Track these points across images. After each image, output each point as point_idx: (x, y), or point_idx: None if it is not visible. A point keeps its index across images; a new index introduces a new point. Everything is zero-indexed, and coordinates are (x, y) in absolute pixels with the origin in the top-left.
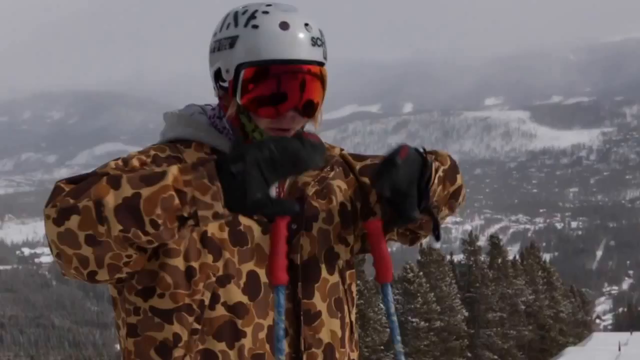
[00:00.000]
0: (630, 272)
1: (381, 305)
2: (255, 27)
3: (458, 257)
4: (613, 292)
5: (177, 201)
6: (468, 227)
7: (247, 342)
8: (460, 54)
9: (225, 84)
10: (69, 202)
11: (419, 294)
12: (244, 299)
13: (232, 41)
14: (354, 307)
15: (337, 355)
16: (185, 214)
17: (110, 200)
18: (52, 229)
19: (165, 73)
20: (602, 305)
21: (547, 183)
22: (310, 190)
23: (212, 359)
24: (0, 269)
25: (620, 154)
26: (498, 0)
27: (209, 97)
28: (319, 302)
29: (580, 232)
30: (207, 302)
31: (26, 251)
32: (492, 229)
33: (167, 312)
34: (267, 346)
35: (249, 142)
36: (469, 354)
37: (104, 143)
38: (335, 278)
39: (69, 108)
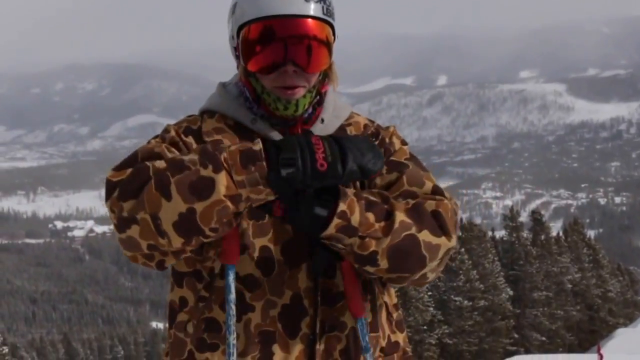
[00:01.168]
0: None
1: None
2: None
3: (500, 234)
4: None
5: (232, 208)
6: (508, 202)
7: (254, 316)
8: (493, 26)
9: (237, 52)
10: (123, 211)
11: (461, 272)
12: (257, 273)
13: (233, 8)
14: (391, 288)
15: (367, 339)
16: (242, 210)
17: (166, 215)
18: (115, 230)
19: (197, 45)
20: None
21: (588, 157)
22: None
23: (215, 329)
24: (32, 243)
25: None
26: None
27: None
28: (341, 283)
29: (624, 208)
30: (217, 271)
31: (59, 225)
32: (534, 204)
33: (180, 275)
34: (279, 325)
35: (264, 106)
36: (515, 335)
37: (136, 115)
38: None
39: (101, 80)
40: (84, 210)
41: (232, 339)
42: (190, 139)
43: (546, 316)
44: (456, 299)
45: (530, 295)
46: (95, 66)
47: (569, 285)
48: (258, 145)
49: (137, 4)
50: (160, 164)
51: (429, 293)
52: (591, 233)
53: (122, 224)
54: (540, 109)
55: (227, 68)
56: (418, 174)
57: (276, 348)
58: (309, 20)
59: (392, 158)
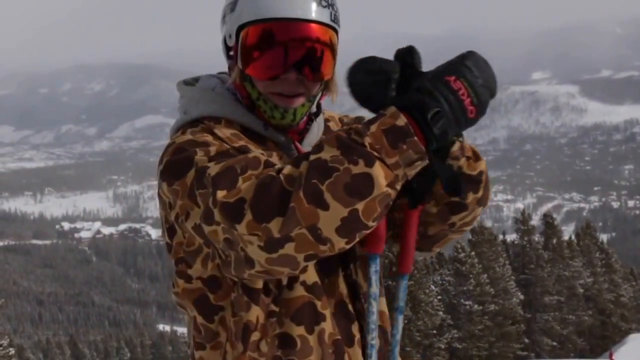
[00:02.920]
0: None
1: (432, 286)
2: None
3: (511, 237)
4: None
5: (393, 193)
6: (520, 205)
7: (327, 326)
8: (505, 27)
9: (232, 52)
10: (273, 232)
11: (471, 275)
12: (320, 280)
13: (233, 5)
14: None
15: (389, 337)
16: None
17: (326, 224)
18: (260, 254)
19: (205, 46)
20: None
21: (601, 160)
22: None
23: (290, 345)
24: (39, 244)
25: None
26: None
27: None
28: (363, 283)
29: (637, 212)
30: (285, 282)
31: (66, 226)
32: (545, 208)
33: (255, 292)
34: (342, 333)
35: (257, 112)
36: (526, 340)
37: (144, 115)
38: None
39: (109, 80)
40: (91, 212)
41: (371, 338)
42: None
43: (557, 321)
44: (466, 303)
45: (541, 300)
46: (103, 66)
47: (581, 290)
48: (402, 120)
49: (146, 4)
50: (291, 170)
51: (439, 297)
52: (604, 237)
53: (273, 245)
54: (553, 110)
55: None
56: None
57: (346, 357)
58: (318, 26)
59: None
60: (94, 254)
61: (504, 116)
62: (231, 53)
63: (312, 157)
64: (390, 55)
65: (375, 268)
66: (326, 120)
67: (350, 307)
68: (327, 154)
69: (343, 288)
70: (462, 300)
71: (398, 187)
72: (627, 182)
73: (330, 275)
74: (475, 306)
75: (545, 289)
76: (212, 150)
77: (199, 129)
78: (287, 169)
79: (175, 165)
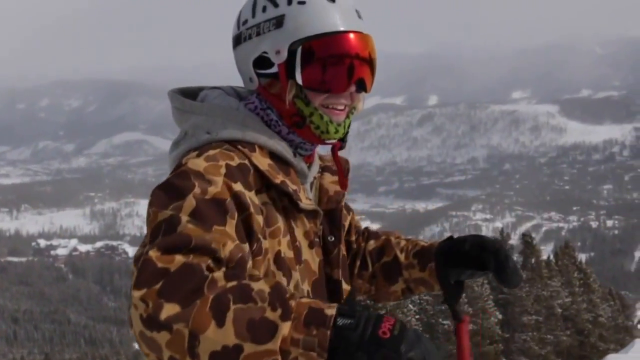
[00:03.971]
0: None
1: (410, 306)
2: (301, 3)
3: None
4: None
5: None
6: (499, 224)
7: None
8: (486, 46)
9: (272, 69)
10: (161, 313)
11: None
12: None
13: (277, 21)
14: None
15: None
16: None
17: (208, 340)
18: (138, 322)
19: (185, 62)
20: None
21: (580, 180)
22: (343, 201)
23: None
24: (15, 261)
25: None
26: None
27: (226, 84)
28: (345, 285)
29: (616, 232)
30: None
31: (42, 243)
32: (524, 227)
33: None
34: None
35: (304, 131)
36: None
37: (122, 132)
38: (350, 287)
39: (87, 96)
40: (68, 229)
41: None
42: (248, 192)
43: (535, 341)
44: (444, 322)
45: (519, 320)
46: (82, 82)
47: (559, 310)
48: (332, 310)
49: (126, 20)
50: (220, 277)
51: (417, 316)
52: (582, 257)
53: (152, 324)
54: (532, 130)
55: (213, 84)
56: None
57: None
58: (370, 37)
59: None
60: (70, 271)
61: (484, 135)
62: (271, 71)
63: (245, 280)
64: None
65: None
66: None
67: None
68: (257, 285)
69: (323, 292)
70: (440, 320)
71: (288, 358)
72: (606, 202)
73: (311, 278)
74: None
75: (523, 309)
76: (210, 192)
77: (226, 153)
78: (218, 274)
79: (163, 193)
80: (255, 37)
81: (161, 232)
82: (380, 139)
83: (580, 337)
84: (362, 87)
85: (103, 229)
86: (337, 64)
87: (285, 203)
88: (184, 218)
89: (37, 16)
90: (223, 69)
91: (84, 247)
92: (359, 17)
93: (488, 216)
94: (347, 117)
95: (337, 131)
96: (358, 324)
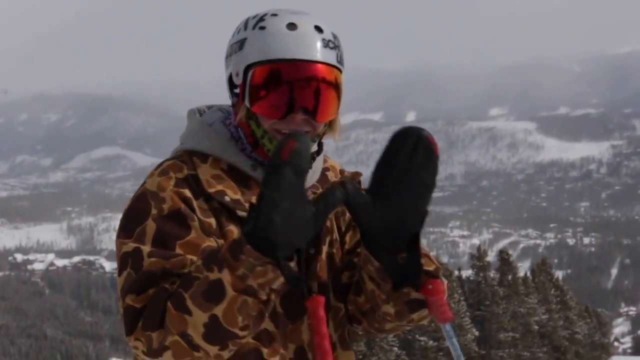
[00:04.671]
0: None
1: None
2: (262, 28)
3: (466, 273)
4: (631, 312)
5: (250, 300)
6: (476, 241)
7: None
8: (464, 63)
9: (237, 90)
10: (153, 342)
11: None
12: (270, 326)
13: (240, 44)
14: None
15: None
16: (265, 297)
17: (193, 330)
18: (143, 357)
19: (163, 77)
20: (620, 327)
21: (557, 197)
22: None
23: None
24: None
25: (631, 167)
26: (502, 10)
27: (205, 101)
28: (332, 333)
29: (593, 249)
30: None
31: (19, 257)
32: (501, 244)
33: None
34: None
35: (260, 150)
36: None
37: (101, 147)
38: (343, 307)
39: (66, 110)
40: (45, 243)
41: None
42: (195, 200)
43: (512, 358)
44: (421, 339)
45: (496, 336)
46: (61, 97)
47: (536, 327)
48: (238, 235)
49: (106, 35)
50: (175, 286)
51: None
52: (559, 274)
53: (153, 354)
54: (510, 147)
55: (193, 101)
56: None
57: None
58: (324, 66)
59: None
60: (47, 286)
61: (461, 152)
62: (236, 91)
63: (185, 273)
64: (347, 90)
65: None
66: (325, 169)
67: (309, 354)
68: (193, 267)
69: (305, 336)
70: (417, 336)
71: (262, 296)
72: (583, 219)
73: (291, 323)
74: (431, 342)
75: (500, 326)
76: (165, 209)
77: (178, 164)
78: (176, 283)
79: (125, 221)
80: (227, 57)
81: (128, 266)
82: (359, 155)
83: (557, 354)
84: (310, 114)
85: (80, 243)
86: (278, 90)
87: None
88: (146, 250)
89: (16, 31)
90: (205, 86)
91: (60, 262)
92: (325, 45)
93: (465, 233)
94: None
95: None
96: (255, 219)
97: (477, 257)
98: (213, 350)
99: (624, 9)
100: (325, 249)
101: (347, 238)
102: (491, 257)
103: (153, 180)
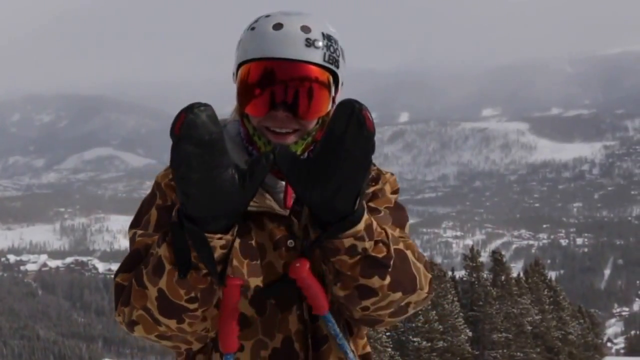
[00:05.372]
0: None
1: None
2: (252, 29)
3: (460, 273)
4: (624, 313)
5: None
6: (469, 241)
7: (243, 356)
8: (457, 64)
9: None
10: (125, 316)
11: (420, 312)
12: (250, 312)
13: (237, 45)
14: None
15: (337, 328)
16: (205, 270)
17: (150, 304)
18: (129, 331)
19: (156, 78)
20: (613, 328)
21: (550, 197)
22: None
23: None
24: None
25: (624, 168)
26: (495, 11)
27: (198, 102)
28: (324, 325)
29: (586, 250)
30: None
31: (11, 258)
32: (494, 244)
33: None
34: None
35: (256, 148)
36: None
37: (94, 147)
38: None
39: (59, 111)
40: (38, 244)
41: None
42: None
43: (505, 358)
44: (415, 339)
45: (489, 337)
46: (53, 97)
47: (529, 327)
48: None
49: (98, 36)
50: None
51: (387, 333)
52: (552, 274)
53: (128, 327)
54: (503, 147)
55: (186, 101)
56: (386, 222)
57: None
58: (307, 65)
59: (370, 203)
60: (39, 287)
61: (454, 152)
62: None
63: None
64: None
65: (330, 326)
66: None
67: (296, 346)
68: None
69: (293, 327)
70: (410, 337)
71: (201, 268)
72: (576, 220)
73: (281, 312)
74: (424, 343)
75: (493, 326)
76: (168, 200)
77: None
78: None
79: (138, 210)
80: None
81: (129, 250)
82: None
83: (550, 355)
84: (291, 112)
85: (73, 244)
86: (259, 88)
87: None
88: (139, 232)
89: (7, 30)
90: (197, 86)
91: (53, 263)
92: (309, 45)
93: (458, 233)
94: (297, 142)
95: None
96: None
97: (470, 258)
98: (172, 323)
99: (615, 10)
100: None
101: None
102: (484, 257)
103: (160, 174)
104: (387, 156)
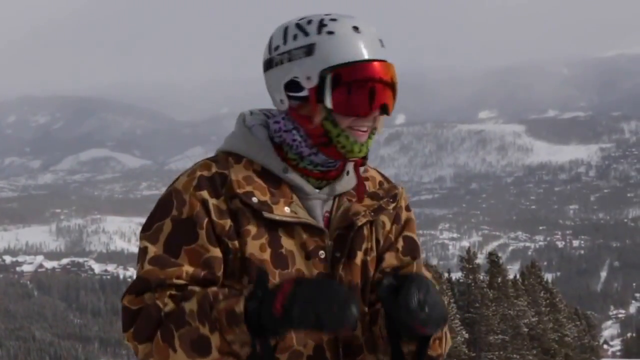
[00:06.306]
0: (637, 295)
1: None
2: (330, 33)
3: (456, 275)
4: (620, 315)
5: (231, 359)
6: (465, 243)
7: None
8: (453, 66)
9: (303, 93)
10: (139, 352)
11: None
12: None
13: (308, 49)
14: None
15: None
16: (245, 357)
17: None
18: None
19: (152, 80)
20: (610, 330)
21: (546, 199)
22: (361, 221)
23: None
24: None
25: (620, 170)
26: (491, 13)
27: (195, 104)
28: (360, 336)
29: (582, 252)
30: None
31: (7, 259)
32: (491, 246)
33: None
34: None
35: (330, 149)
36: None
37: (89, 149)
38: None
39: (54, 113)
40: (34, 245)
41: None
42: (213, 199)
43: None
44: None
45: (486, 339)
46: (49, 99)
47: (525, 329)
48: (240, 306)
49: (93, 37)
50: (169, 307)
51: None
52: (548, 276)
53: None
54: (499, 149)
55: (180, 102)
56: (422, 267)
57: None
58: (392, 65)
59: (408, 234)
60: (35, 288)
61: (451, 154)
62: (301, 94)
63: (181, 304)
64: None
65: None
66: (365, 179)
67: (328, 354)
68: (189, 306)
69: (325, 335)
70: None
71: (243, 356)
72: (572, 222)
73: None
74: None
75: (489, 328)
76: (184, 212)
77: (208, 163)
78: (169, 306)
79: (152, 212)
80: (286, 62)
81: (138, 263)
82: None
83: (547, 357)
84: (384, 111)
85: (69, 245)
86: (362, 89)
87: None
88: (150, 255)
89: (2, 32)
90: (191, 87)
91: (49, 264)
92: (382, 45)
93: (455, 235)
94: (369, 137)
95: (360, 150)
96: (260, 306)
97: (467, 260)
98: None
99: (611, 12)
100: (360, 255)
101: (386, 256)
102: (481, 259)
103: (181, 180)
104: (383, 158)
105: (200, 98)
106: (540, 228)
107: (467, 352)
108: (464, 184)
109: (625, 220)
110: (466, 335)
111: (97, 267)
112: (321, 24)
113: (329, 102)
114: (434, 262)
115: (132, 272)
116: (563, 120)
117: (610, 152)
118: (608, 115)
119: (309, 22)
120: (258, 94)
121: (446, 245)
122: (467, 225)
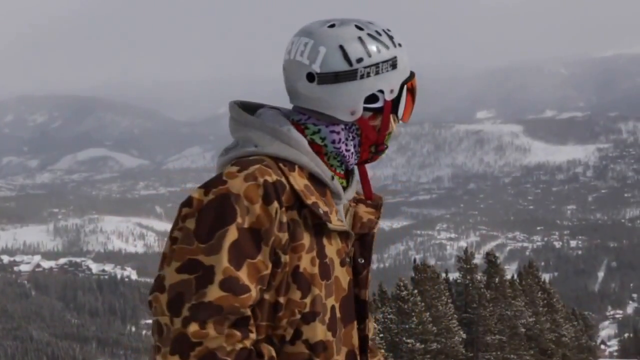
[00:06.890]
0: (634, 295)
1: (375, 324)
2: (400, 45)
3: (454, 275)
4: (617, 316)
5: None
6: (463, 243)
7: None
8: (451, 66)
9: (378, 104)
10: None
11: (413, 314)
12: (328, 336)
13: (393, 62)
14: None
15: None
16: None
17: None
18: None
19: (150, 78)
20: (607, 330)
21: (544, 200)
22: (378, 227)
23: None
24: None
25: (617, 171)
26: (489, 13)
27: (193, 103)
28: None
29: (580, 252)
30: (288, 338)
31: (5, 259)
32: (488, 246)
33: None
34: None
35: (375, 157)
36: None
37: (87, 148)
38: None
39: (52, 112)
40: (31, 245)
41: None
42: (277, 206)
43: None
44: (408, 341)
45: (483, 339)
46: (46, 98)
47: (523, 330)
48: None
49: (91, 37)
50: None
51: (381, 335)
52: (546, 276)
53: None
54: (497, 150)
55: (178, 102)
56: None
57: None
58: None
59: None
60: (33, 287)
61: (449, 154)
62: (377, 105)
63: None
64: None
65: None
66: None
67: (359, 358)
68: None
69: (355, 340)
70: (404, 339)
71: None
72: (570, 222)
73: (344, 326)
74: (418, 344)
75: (487, 328)
76: (250, 221)
77: (264, 169)
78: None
79: (204, 218)
80: (373, 75)
81: (193, 279)
82: None
83: (544, 357)
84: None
85: (67, 245)
86: (414, 98)
87: (316, 222)
88: (219, 277)
89: (0, 31)
90: (189, 87)
91: (47, 264)
92: None
93: (452, 235)
94: None
95: (383, 153)
96: None
97: (464, 260)
98: None
99: (609, 12)
100: (371, 259)
101: None
102: (478, 259)
103: (238, 183)
104: (380, 158)
105: (198, 97)
106: (538, 228)
107: (464, 352)
108: (462, 184)
109: (623, 220)
110: (464, 336)
111: (95, 267)
112: (390, 36)
113: (401, 113)
114: (431, 262)
115: (129, 272)
116: (561, 121)
117: (608, 152)
118: (606, 115)
119: (381, 33)
120: (257, 94)
121: (444, 246)
122: (464, 225)
